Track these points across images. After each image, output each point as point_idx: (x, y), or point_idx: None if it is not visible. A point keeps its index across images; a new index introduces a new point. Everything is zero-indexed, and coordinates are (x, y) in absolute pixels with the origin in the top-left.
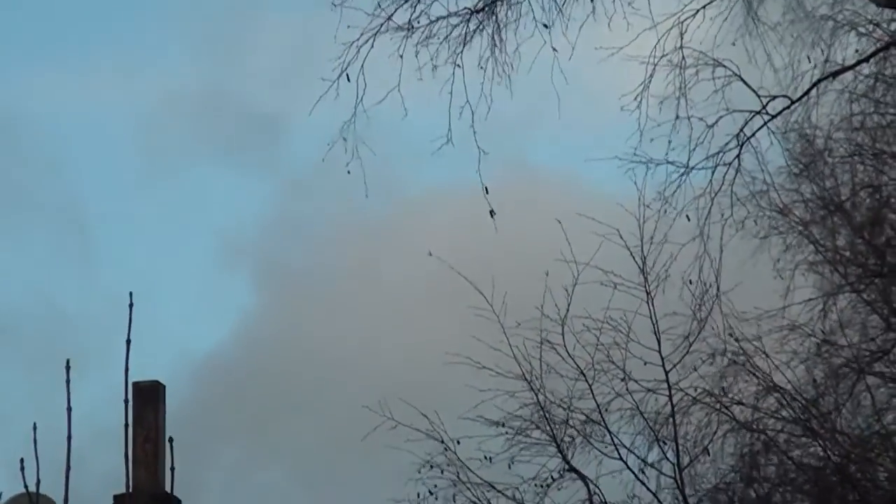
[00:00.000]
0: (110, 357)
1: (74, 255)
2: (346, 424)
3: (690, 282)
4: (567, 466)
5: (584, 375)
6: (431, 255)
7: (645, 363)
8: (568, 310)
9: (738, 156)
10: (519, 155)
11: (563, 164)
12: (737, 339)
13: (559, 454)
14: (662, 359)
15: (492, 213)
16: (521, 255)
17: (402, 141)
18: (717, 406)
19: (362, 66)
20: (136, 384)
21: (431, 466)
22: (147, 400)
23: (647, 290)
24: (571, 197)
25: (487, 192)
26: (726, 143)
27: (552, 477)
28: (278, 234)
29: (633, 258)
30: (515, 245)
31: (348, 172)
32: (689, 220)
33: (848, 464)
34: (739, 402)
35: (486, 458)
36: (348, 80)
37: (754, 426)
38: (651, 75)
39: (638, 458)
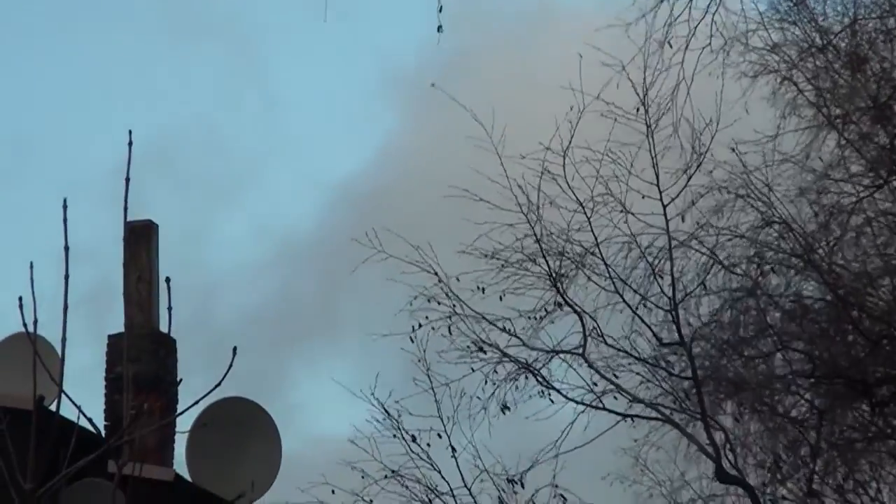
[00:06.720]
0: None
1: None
2: None
3: (688, 120)
4: (562, 300)
5: (583, 207)
6: (434, 87)
7: (643, 196)
8: (571, 141)
9: None
10: None
11: None
12: (741, 171)
13: (553, 287)
14: (661, 192)
15: (439, 28)
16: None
17: None
18: (716, 240)
19: None
20: (128, 224)
21: (429, 299)
22: (140, 240)
23: (647, 123)
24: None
25: (441, 10)
26: None
27: (546, 310)
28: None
29: (635, 89)
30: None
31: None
32: (670, 46)
33: (845, 296)
34: (738, 235)
35: (478, 288)
36: None
37: (753, 259)
38: None
39: (635, 291)
